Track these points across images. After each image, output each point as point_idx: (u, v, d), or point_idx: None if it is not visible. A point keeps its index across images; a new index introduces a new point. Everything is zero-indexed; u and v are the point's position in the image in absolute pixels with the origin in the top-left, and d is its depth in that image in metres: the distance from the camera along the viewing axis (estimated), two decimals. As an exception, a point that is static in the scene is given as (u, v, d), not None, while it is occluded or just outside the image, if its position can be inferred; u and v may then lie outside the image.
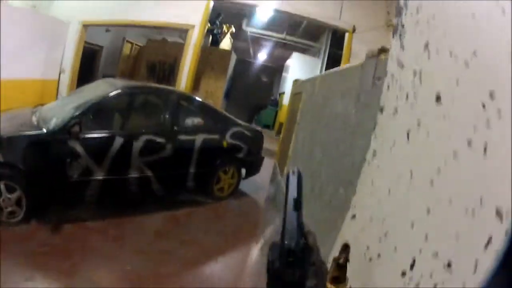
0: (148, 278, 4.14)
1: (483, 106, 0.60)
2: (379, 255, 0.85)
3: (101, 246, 4.65)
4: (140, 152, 5.66)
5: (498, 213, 0.52)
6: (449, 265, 0.60)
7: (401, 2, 1.04)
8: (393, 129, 0.94)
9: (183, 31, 12.24)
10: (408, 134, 0.85)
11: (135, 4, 11.03)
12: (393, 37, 1.08)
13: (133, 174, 5.67)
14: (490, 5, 0.63)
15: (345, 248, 1.04)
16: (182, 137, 6.21)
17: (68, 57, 11.11)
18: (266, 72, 20.76)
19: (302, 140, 3.08)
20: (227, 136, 6.82)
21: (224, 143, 6.76)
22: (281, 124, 16.85)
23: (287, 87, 16.84)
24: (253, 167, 7.51)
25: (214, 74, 15.47)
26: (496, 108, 0.58)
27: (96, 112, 5.54)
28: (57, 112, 5.47)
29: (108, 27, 14.15)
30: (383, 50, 1.37)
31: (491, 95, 0.59)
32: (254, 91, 19.47)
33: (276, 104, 19.93)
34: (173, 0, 11.07)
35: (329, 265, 1.08)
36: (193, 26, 11.13)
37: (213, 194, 6.81)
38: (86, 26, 11.35)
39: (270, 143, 9.19)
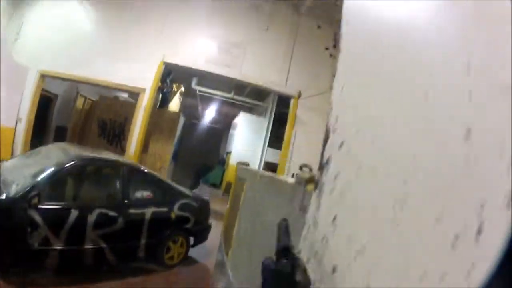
0: None
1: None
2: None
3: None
4: (94, 225, 5.96)
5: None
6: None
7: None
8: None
9: (134, 94, 12.46)
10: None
11: (91, 61, 11.25)
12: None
13: (89, 245, 5.96)
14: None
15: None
16: (133, 210, 6.57)
17: (25, 105, 11.07)
18: (213, 133, 21.09)
19: (244, 230, 3.33)
20: (175, 208, 7.21)
21: (173, 215, 7.15)
22: (228, 183, 16.84)
23: (235, 145, 17.19)
24: (201, 236, 7.88)
25: (163, 137, 15.70)
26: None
27: (53, 184, 5.87)
28: (17, 177, 5.74)
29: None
30: (311, 180, 1.57)
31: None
32: (201, 152, 19.73)
33: (223, 163, 20.18)
34: (127, 62, 11.34)
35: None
36: (144, 90, 11.44)
37: (164, 263, 7.12)
38: (43, 76, 11.39)
39: (217, 204, 9.49)
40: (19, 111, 10.94)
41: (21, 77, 10.84)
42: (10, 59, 10.30)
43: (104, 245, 6.13)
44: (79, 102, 17.00)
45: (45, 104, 14.04)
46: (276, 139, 15.06)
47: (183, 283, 6.90)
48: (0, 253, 5.11)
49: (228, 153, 18.79)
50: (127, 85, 11.65)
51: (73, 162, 6.19)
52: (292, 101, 11.85)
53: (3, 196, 5.23)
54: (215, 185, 18.38)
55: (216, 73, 12.03)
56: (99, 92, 16.66)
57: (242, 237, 3.50)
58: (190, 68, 12.15)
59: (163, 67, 11.63)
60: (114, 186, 6.73)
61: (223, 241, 5.09)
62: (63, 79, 12.43)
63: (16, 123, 10.89)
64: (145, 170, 7.61)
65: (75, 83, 15.32)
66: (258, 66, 11.81)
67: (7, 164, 6.72)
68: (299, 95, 11.64)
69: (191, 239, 7.63)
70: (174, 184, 7.78)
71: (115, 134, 15.16)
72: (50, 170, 5.88)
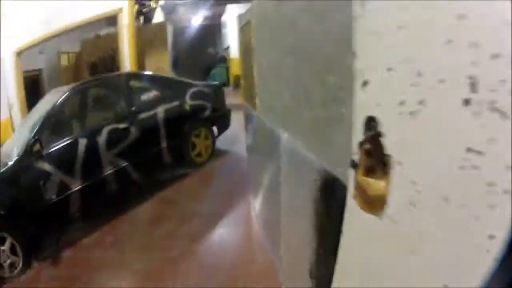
0: (163, 267, 4.01)
1: None
2: (421, 102, 0.73)
3: (103, 257, 4.47)
4: (107, 145, 5.44)
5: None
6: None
7: None
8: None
9: (113, 19, 11.86)
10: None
11: (58, 14, 10.50)
12: None
13: (108, 171, 5.46)
14: None
15: (369, 122, 0.88)
16: (143, 115, 6.00)
17: (12, 90, 10.62)
18: (205, 32, 20.18)
19: (267, 61, 2.91)
20: (187, 98, 6.65)
21: (187, 106, 6.60)
22: (235, 78, 16.63)
23: (231, 39, 16.63)
24: (223, 123, 7.41)
25: (156, 51, 15.09)
26: None
27: (53, 124, 5.22)
28: (16, 141, 5.19)
29: (41, 48, 13.70)
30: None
31: None
32: (199, 53, 19.05)
33: (225, 60, 19.65)
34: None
35: (356, 156, 0.95)
36: (121, 9, 10.87)
37: (193, 162, 6.71)
38: (19, 54, 10.82)
39: (230, 98, 9.03)
40: (8, 99, 10.55)
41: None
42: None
43: (124, 164, 5.63)
44: (64, 60, 16.49)
45: (33, 83, 13.91)
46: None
47: (221, 177, 6.47)
48: (27, 227, 4.53)
49: (227, 48, 18.20)
50: (103, 13, 11.09)
51: (66, 94, 5.55)
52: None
53: (8, 164, 4.61)
54: (224, 85, 17.86)
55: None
56: (79, 39, 16.10)
57: (266, 70, 3.07)
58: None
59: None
60: (117, 100, 6.12)
61: (245, 101, 4.54)
62: (41, 42, 11.81)
63: (10, 111, 10.53)
64: (144, 72, 7.02)
65: (55, 48, 14.99)
66: None
67: (7, 141, 6.11)
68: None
69: (214, 128, 7.17)
70: (178, 78, 7.15)
71: (108, 69, 14.52)
72: (44, 114, 5.23)
